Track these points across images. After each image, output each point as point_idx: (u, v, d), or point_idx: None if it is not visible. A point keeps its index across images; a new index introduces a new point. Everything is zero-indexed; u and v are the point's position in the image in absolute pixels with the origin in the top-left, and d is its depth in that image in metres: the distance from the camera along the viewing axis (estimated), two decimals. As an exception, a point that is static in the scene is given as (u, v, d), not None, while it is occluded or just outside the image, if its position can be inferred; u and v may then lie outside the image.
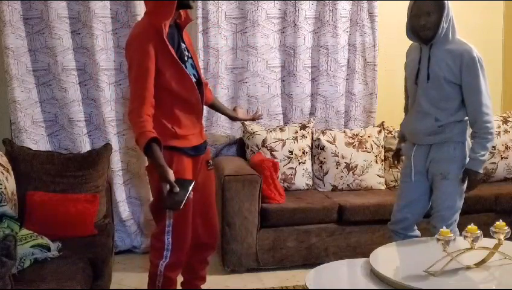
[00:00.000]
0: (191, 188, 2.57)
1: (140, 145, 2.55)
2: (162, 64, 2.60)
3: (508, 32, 4.85)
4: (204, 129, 4.12)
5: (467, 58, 2.89)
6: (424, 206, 3.14)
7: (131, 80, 2.63)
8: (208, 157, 2.96)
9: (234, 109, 3.32)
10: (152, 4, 2.65)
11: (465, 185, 3.02)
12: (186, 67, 2.70)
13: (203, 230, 2.95)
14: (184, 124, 2.72)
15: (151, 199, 2.91)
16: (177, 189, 2.52)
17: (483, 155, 2.94)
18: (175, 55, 2.64)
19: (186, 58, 2.74)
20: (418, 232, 3.21)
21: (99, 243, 3.15)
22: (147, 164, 2.87)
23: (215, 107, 3.27)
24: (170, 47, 2.62)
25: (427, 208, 3.15)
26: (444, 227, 2.92)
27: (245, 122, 4.21)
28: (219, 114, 4.22)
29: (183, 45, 2.75)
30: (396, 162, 3.43)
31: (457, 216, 3.06)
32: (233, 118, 3.29)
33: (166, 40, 2.60)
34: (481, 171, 2.97)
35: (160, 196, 2.59)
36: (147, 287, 2.83)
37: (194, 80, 2.74)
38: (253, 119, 3.34)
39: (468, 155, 2.98)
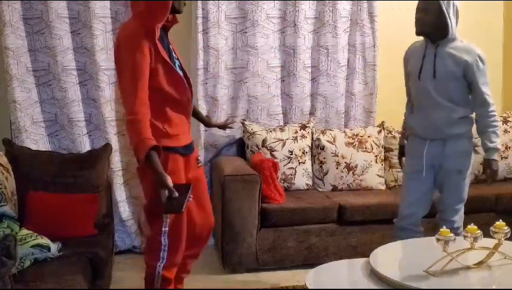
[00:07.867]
0: (189, 191, 2.61)
1: (140, 153, 2.51)
2: (154, 65, 2.62)
3: (508, 32, 4.85)
4: (204, 130, 4.21)
5: (474, 55, 3.03)
6: (430, 200, 3.24)
7: (126, 80, 2.61)
8: (196, 155, 3.00)
9: (207, 116, 3.64)
10: (145, 6, 2.62)
11: (468, 177, 3.18)
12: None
13: (199, 226, 2.97)
14: (175, 124, 2.74)
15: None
16: (176, 194, 2.52)
17: (498, 143, 3.11)
18: (166, 56, 2.66)
19: (174, 59, 2.77)
20: (422, 229, 3.25)
21: (99, 243, 3.15)
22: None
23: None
24: (162, 48, 2.65)
25: (431, 203, 3.24)
26: (456, 219, 3.15)
27: (244, 122, 4.22)
28: (219, 114, 4.26)
29: (171, 47, 2.79)
30: (400, 159, 3.49)
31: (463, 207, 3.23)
32: (207, 124, 3.42)
33: (158, 42, 2.63)
34: (497, 158, 3.14)
35: (155, 199, 2.58)
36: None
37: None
38: (224, 125, 3.37)
39: (486, 146, 3.10)
